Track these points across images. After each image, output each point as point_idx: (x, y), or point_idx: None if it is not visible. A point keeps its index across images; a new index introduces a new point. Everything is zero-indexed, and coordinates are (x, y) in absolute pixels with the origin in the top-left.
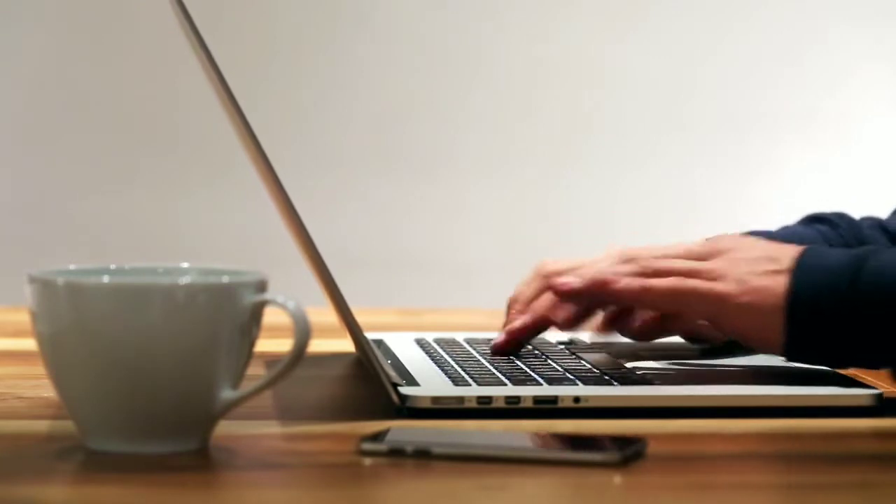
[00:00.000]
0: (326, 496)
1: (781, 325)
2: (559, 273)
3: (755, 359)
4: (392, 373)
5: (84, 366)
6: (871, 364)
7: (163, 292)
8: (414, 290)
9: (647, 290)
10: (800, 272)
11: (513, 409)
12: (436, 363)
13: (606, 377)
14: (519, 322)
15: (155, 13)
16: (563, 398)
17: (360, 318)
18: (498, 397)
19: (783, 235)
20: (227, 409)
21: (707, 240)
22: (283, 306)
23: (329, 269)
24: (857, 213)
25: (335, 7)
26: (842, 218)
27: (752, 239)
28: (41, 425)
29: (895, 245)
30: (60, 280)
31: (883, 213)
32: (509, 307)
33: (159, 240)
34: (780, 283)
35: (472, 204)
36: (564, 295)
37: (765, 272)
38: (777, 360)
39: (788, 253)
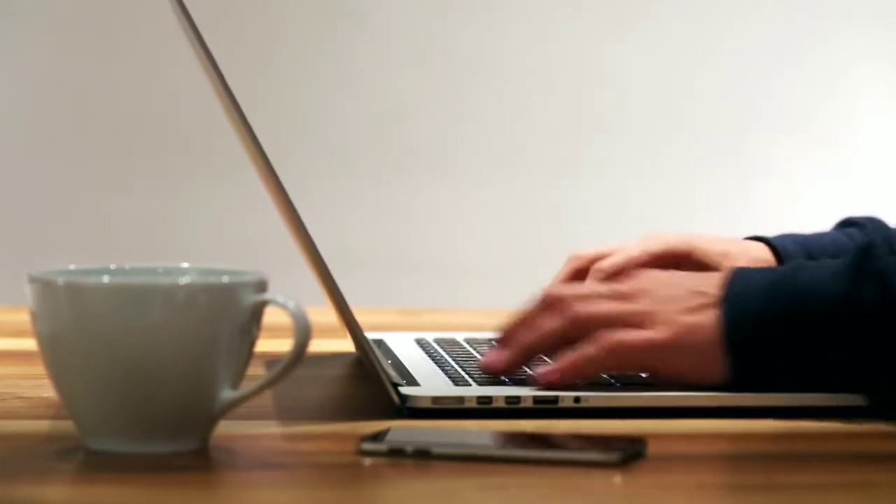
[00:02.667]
0: (326, 496)
1: (721, 360)
2: (588, 256)
3: None
4: (392, 373)
5: (84, 366)
6: (829, 383)
7: (163, 292)
8: (414, 290)
9: (579, 372)
10: (728, 302)
11: (513, 409)
12: (436, 363)
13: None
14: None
15: (155, 13)
16: (563, 398)
17: (360, 318)
18: (498, 397)
19: (814, 238)
20: (227, 409)
21: (630, 272)
22: (283, 306)
23: (329, 269)
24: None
25: (335, 7)
26: (871, 221)
27: (669, 273)
28: (41, 425)
29: None
30: (60, 280)
31: (884, 214)
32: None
33: (159, 240)
34: (710, 318)
35: (472, 204)
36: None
37: (693, 307)
38: None
39: (713, 282)
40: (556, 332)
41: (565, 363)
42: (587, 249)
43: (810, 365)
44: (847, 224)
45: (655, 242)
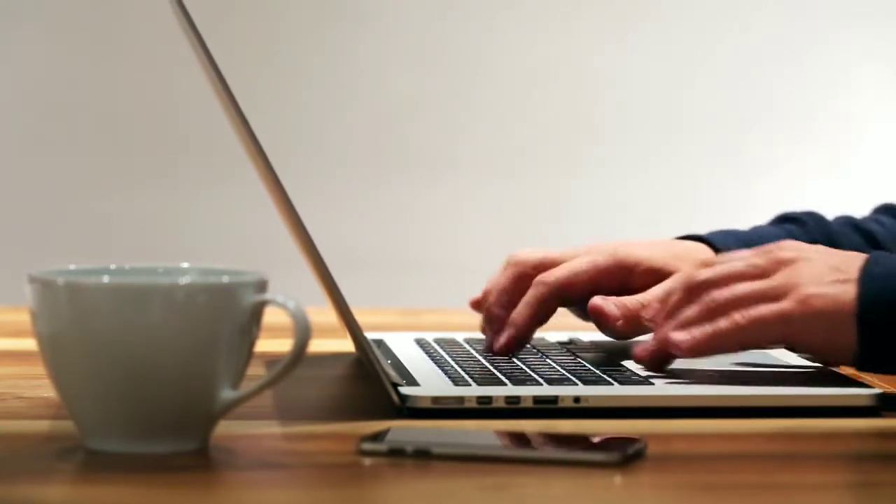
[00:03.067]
0: (326, 496)
1: (854, 334)
2: (531, 263)
3: (755, 359)
4: (392, 373)
5: (84, 366)
6: None
7: (163, 292)
8: (414, 290)
9: (715, 344)
10: (868, 278)
11: (513, 409)
12: (436, 363)
13: (606, 377)
14: (503, 338)
15: (155, 13)
16: (563, 398)
17: (360, 318)
18: (498, 397)
19: (754, 235)
20: (227, 409)
21: (769, 247)
22: (283, 306)
23: (329, 270)
24: (857, 213)
25: (335, 7)
26: (811, 217)
27: (814, 248)
28: (41, 425)
29: (869, 244)
30: (60, 280)
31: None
32: (484, 298)
33: (159, 240)
34: (848, 292)
35: (472, 205)
36: (635, 359)
37: (831, 282)
38: (776, 361)
39: (853, 262)
40: (696, 320)
41: (700, 336)
42: (527, 253)
43: None
44: (785, 220)
45: (602, 255)
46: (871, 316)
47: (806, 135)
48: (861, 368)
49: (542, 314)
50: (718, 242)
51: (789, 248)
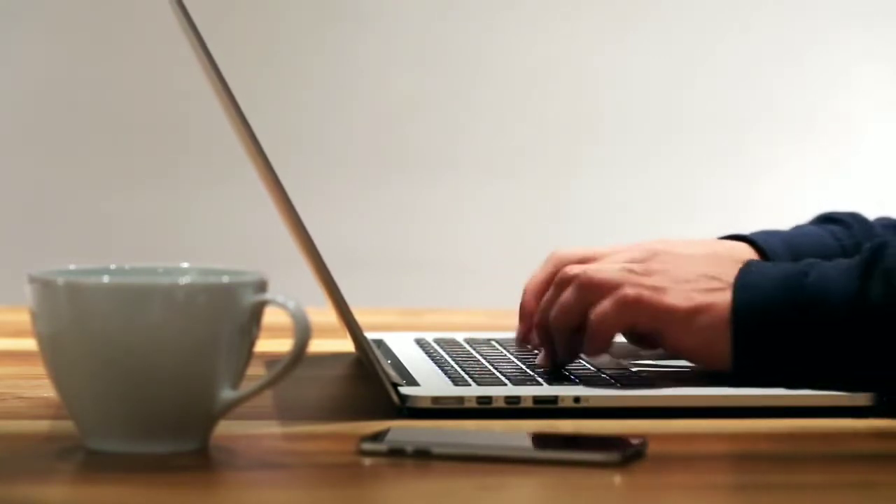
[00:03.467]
0: (326, 496)
1: (726, 343)
2: (572, 260)
3: None
4: (392, 373)
5: (84, 366)
6: (826, 383)
7: (163, 292)
8: (414, 290)
9: (599, 326)
10: (742, 287)
11: (513, 409)
12: (436, 363)
13: (606, 377)
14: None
15: (155, 13)
16: (563, 398)
17: (360, 318)
18: (498, 397)
19: (796, 235)
20: (227, 409)
21: (641, 247)
22: (283, 306)
23: (329, 270)
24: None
25: (335, 7)
26: (854, 218)
27: (686, 255)
28: (41, 425)
29: None
30: (60, 280)
31: (885, 213)
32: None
33: (159, 240)
34: (723, 299)
35: (472, 204)
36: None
37: (707, 289)
38: None
39: (728, 271)
40: (572, 302)
41: (587, 328)
42: (569, 251)
43: (815, 360)
44: (827, 220)
45: (640, 252)
46: (744, 324)
47: (806, 135)
48: (737, 374)
49: None
50: (761, 242)
51: (661, 254)
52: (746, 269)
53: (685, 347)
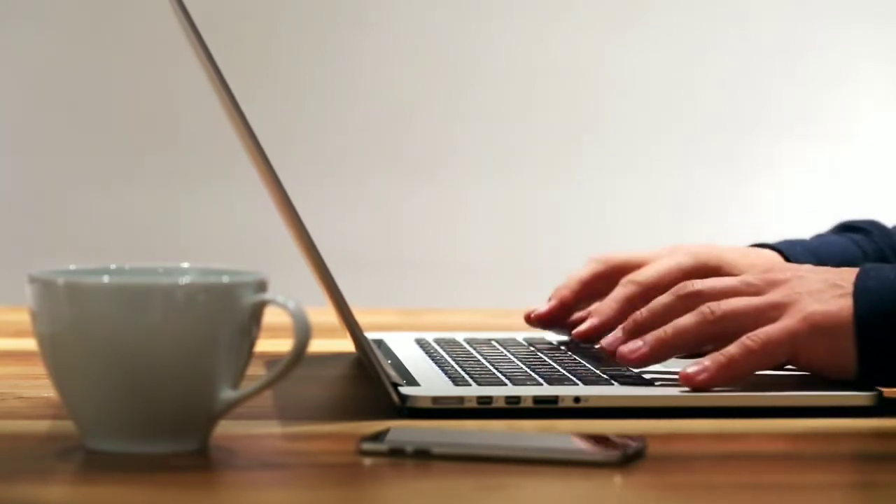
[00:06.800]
0: (326, 496)
1: (852, 349)
2: (614, 262)
3: None
4: (392, 373)
5: (84, 366)
6: None
7: (163, 292)
8: (414, 290)
9: (731, 374)
10: (863, 291)
11: (513, 409)
12: (436, 363)
13: (606, 377)
14: (586, 326)
15: (155, 13)
16: (563, 398)
17: (360, 318)
18: (498, 397)
19: (820, 244)
20: (227, 409)
21: (763, 272)
22: (283, 306)
23: (329, 269)
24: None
25: (335, 7)
26: (874, 225)
27: (805, 266)
28: (41, 425)
29: None
30: (60, 280)
31: (885, 214)
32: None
33: (159, 240)
34: (845, 306)
35: (472, 204)
36: (635, 364)
37: (829, 298)
38: None
39: (847, 276)
40: (692, 330)
41: (713, 368)
42: (610, 254)
43: None
44: (847, 228)
45: (686, 256)
46: (869, 329)
47: (806, 135)
48: (864, 380)
49: (627, 312)
50: (786, 251)
51: (782, 268)
52: (867, 274)
53: (815, 359)
